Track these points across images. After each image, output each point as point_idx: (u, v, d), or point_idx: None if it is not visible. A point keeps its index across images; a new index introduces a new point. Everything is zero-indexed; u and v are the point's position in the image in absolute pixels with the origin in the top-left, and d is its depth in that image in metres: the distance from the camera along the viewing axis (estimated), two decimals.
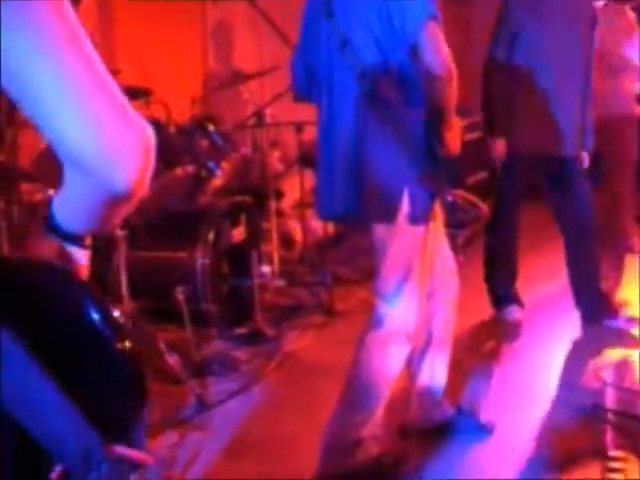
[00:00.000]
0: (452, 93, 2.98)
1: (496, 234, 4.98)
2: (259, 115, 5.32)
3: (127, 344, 1.23)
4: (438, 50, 2.91)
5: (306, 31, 3.27)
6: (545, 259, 5.70)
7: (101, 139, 1.08)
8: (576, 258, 4.79)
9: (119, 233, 3.93)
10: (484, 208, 3.28)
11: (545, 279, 5.46)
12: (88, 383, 1.18)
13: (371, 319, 3.21)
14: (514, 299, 5.02)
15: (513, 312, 4.97)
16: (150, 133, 1.14)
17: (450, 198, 3.13)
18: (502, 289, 5.02)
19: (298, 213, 5.98)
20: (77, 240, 1.29)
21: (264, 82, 6.08)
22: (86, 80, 1.08)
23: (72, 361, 1.18)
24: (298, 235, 5.93)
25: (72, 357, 1.18)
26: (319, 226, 5.80)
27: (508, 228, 4.94)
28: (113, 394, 1.21)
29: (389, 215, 3.03)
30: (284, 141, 6.25)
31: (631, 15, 5.94)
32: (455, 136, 3.11)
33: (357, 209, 3.09)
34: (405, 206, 3.01)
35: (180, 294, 4.14)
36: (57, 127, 1.08)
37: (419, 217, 3.05)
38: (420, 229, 3.08)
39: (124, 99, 1.12)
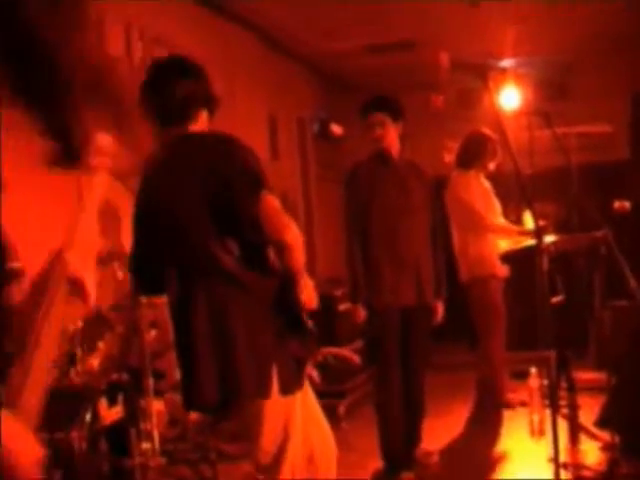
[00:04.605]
0: (297, 257, 3.04)
1: (384, 396, 4.98)
2: (133, 295, 5.33)
3: None
4: (277, 220, 2.99)
5: None
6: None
7: None
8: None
9: None
10: (355, 358, 3.33)
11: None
12: None
13: None
14: (408, 466, 4.98)
15: None
16: None
17: (321, 358, 3.17)
18: (395, 456, 4.98)
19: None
20: None
21: None
22: None
23: None
24: (182, 411, 5.84)
25: None
26: None
27: (394, 389, 4.96)
28: None
29: (263, 391, 3.03)
30: (162, 321, 6.25)
31: (486, 183, 6.34)
32: (311, 293, 3.19)
33: (228, 393, 3.07)
34: (276, 378, 3.03)
35: (56, 477, 4.02)
36: None
37: (291, 386, 3.08)
38: (291, 398, 3.11)
39: None
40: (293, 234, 3.00)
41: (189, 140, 3.23)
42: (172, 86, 3.27)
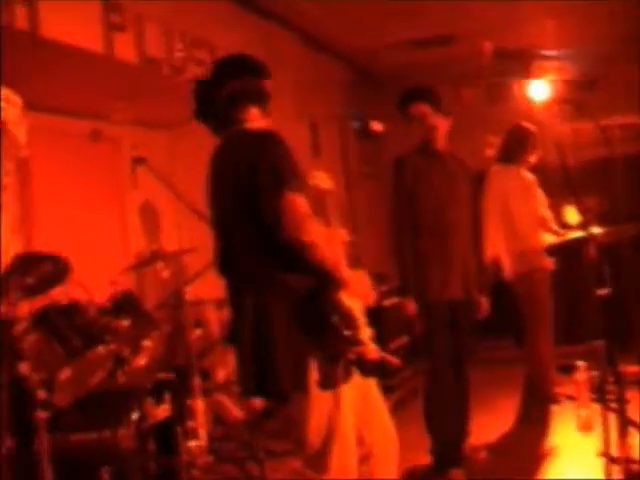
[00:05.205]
0: (319, 257, 3.04)
1: (435, 391, 4.96)
2: (179, 293, 5.37)
3: None
4: (294, 219, 2.99)
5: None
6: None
7: None
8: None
9: (41, 416, 3.87)
10: (395, 361, 3.33)
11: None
12: None
13: None
14: (457, 462, 4.94)
15: (455, 477, 4.87)
16: None
17: (353, 356, 3.16)
18: (444, 452, 4.94)
19: (225, 390, 5.96)
20: None
21: (184, 261, 6.17)
22: None
23: None
24: (227, 411, 5.87)
25: None
26: (254, 400, 5.78)
27: (446, 384, 4.93)
28: None
29: (300, 384, 3.08)
30: (206, 319, 6.28)
31: (528, 175, 6.28)
32: (357, 289, 3.18)
33: (270, 383, 3.11)
34: (313, 373, 3.07)
35: (105, 475, 4.05)
36: None
37: (328, 382, 3.09)
38: (331, 393, 3.12)
39: None
40: (313, 234, 3.00)
41: (235, 137, 3.28)
42: (219, 85, 3.34)
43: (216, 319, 5.94)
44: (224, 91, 3.30)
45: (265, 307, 3.08)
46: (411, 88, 5.08)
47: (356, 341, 3.11)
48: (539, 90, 8.14)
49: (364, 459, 3.33)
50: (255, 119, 3.36)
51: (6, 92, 2.25)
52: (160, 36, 5.81)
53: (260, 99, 3.39)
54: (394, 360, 3.42)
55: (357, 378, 3.20)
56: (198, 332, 5.99)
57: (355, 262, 3.47)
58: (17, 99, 2.31)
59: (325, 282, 3.06)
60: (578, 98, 5.73)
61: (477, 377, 5.32)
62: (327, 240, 3.12)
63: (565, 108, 7.02)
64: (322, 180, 3.70)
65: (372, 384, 3.38)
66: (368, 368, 3.21)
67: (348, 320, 3.08)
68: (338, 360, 3.09)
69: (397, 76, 9.76)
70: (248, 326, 3.14)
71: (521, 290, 6.11)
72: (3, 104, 2.16)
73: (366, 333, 3.21)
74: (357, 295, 3.18)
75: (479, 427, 5.40)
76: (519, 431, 5.91)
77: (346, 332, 3.06)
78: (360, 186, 9.78)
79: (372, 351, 3.19)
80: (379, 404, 3.42)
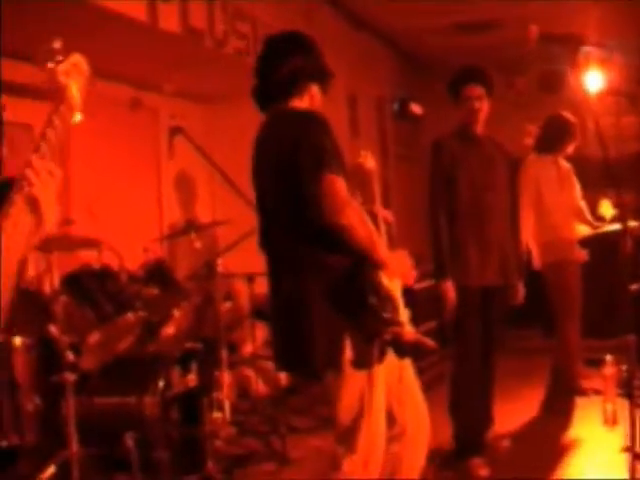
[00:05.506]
0: (356, 239, 3.02)
1: (462, 377, 4.92)
2: (210, 265, 5.39)
3: None
4: (333, 201, 2.96)
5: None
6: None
7: None
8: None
9: (68, 378, 3.91)
10: (430, 343, 3.31)
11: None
12: None
13: (329, 464, 3.22)
14: (478, 450, 4.89)
15: (476, 466, 4.80)
16: None
17: (389, 337, 3.15)
18: (467, 439, 4.90)
19: (252, 364, 6.00)
20: None
21: (217, 233, 6.19)
22: None
23: None
24: (252, 385, 5.91)
25: None
26: (280, 376, 5.81)
27: (473, 370, 4.88)
28: None
29: (334, 362, 3.07)
30: (236, 293, 6.30)
31: (565, 165, 6.21)
32: (397, 270, 3.18)
33: (304, 360, 3.14)
34: (348, 352, 3.06)
35: (130, 440, 4.08)
36: None
37: (362, 361, 3.09)
38: (365, 372, 3.12)
39: None
40: (351, 217, 2.98)
41: (279, 116, 3.28)
42: (273, 64, 3.32)
43: (246, 293, 5.94)
44: (285, 67, 3.29)
45: (302, 285, 3.09)
46: (466, 68, 4.98)
47: (394, 323, 3.11)
48: (594, 81, 8.01)
49: (395, 439, 3.33)
50: (315, 97, 3.35)
51: (78, 58, 2.22)
52: (203, 7, 5.81)
53: (322, 77, 3.38)
54: (430, 342, 3.40)
55: (392, 358, 3.19)
56: (227, 305, 6.02)
57: (396, 242, 3.47)
58: (86, 68, 2.27)
59: (363, 263, 3.06)
60: (634, 91, 5.62)
61: (504, 365, 5.29)
62: (366, 220, 3.13)
63: (620, 101, 6.91)
64: (368, 160, 3.69)
65: (407, 365, 3.38)
66: (404, 349, 3.20)
67: (387, 302, 3.08)
68: (374, 340, 3.10)
69: (440, 60, 9.71)
70: (285, 303, 3.18)
71: (551, 280, 6.05)
72: (69, 68, 2.13)
73: (404, 315, 3.20)
74: (397, 275, 3.19)
75: (503, 415, 5.37)
76: (543, 422, 5.87)
77: (385, 314, 3.06)
78: (396, 168, 9.74)
79: (409, 332, 3.18)
80: (414, 385, 3.41)
